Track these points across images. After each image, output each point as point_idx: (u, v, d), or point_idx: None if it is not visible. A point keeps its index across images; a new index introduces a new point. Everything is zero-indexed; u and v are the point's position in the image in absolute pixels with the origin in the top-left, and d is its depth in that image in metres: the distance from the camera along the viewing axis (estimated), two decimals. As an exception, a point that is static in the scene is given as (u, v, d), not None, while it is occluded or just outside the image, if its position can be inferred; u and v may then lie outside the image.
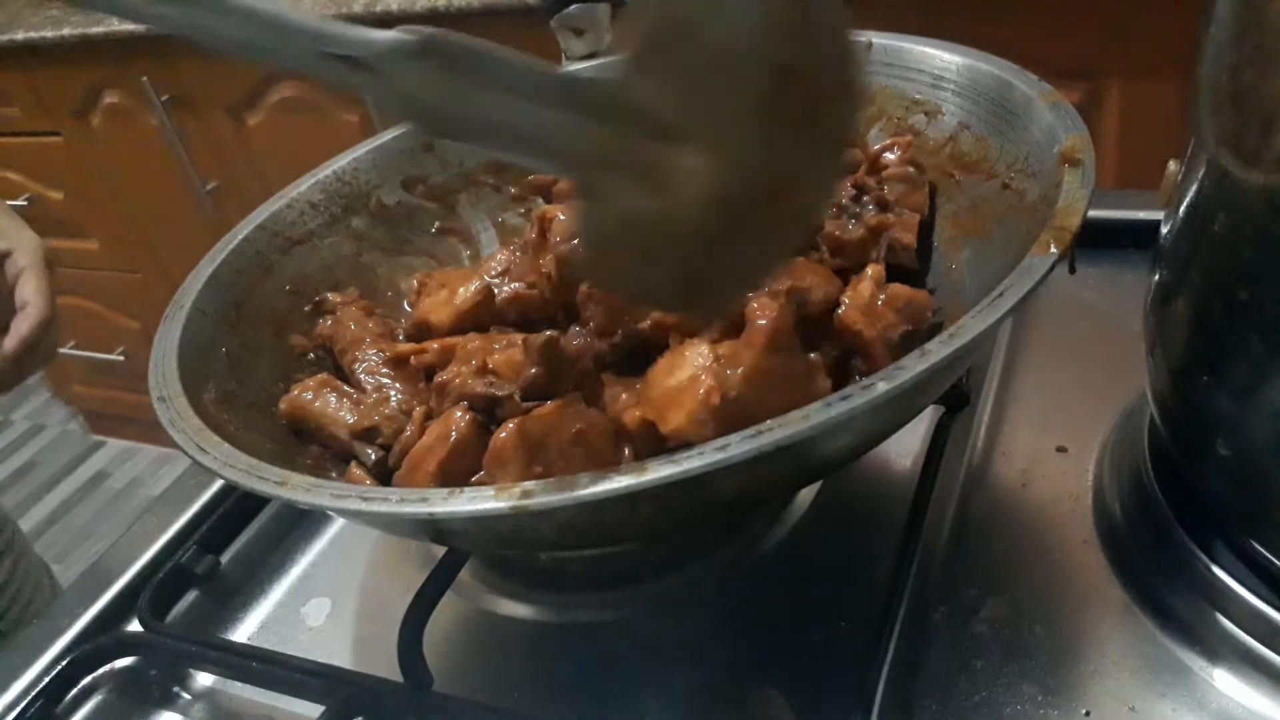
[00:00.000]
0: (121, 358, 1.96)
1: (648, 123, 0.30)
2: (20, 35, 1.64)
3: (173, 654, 0.50)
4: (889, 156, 0.52)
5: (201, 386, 0.44)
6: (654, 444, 0.41)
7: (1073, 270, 0.61)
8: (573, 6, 0.63)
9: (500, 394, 0.43)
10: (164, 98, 1.62)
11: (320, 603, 0.53)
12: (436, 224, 0.62)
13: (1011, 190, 0.45)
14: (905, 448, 0.52)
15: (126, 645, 0.51)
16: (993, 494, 0.50)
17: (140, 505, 2.01)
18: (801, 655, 0.44)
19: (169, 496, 0.61)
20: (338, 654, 0.49)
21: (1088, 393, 0.54)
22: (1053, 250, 0.35)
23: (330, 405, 0.47)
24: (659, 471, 0.30)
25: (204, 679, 0.50)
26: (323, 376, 0.49)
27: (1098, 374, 0.55)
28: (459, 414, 0.43)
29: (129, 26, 1.55)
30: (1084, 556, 0.45)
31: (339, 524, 0.58)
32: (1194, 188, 0.39)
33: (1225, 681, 0.39)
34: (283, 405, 0.48)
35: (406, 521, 0.39)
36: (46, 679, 0.49)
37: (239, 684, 0.49)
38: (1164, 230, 0.42)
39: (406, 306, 0.58)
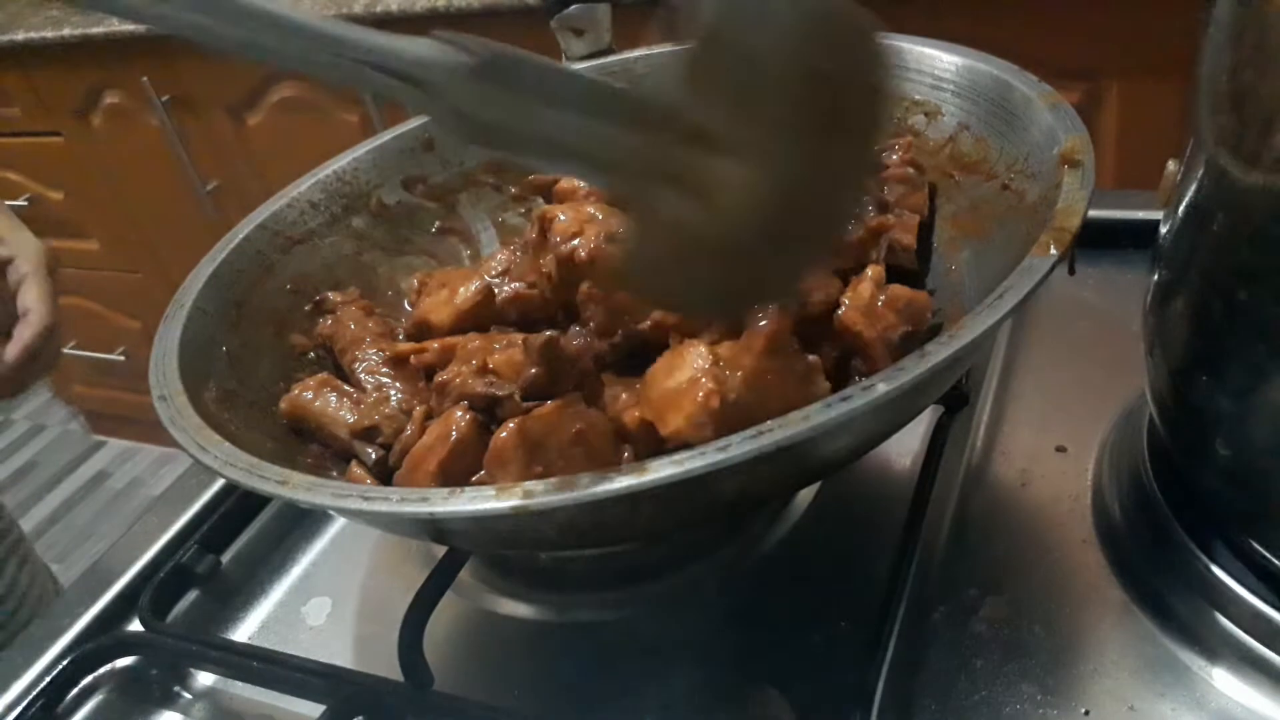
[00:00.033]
0: (122, 358, 1.96)
1: (694, 134, 0.31)
2: (21, 35, 1.65)
3: (173, 653, 0.51)
4: (889, 157, 0.52)
5: (202, 385, 0.44)
6: (654, 444, 0.41)
7: (1072, 271, 0.61)
8: (573, 7, 0.63)
9: (500, 394, 0.43)
10: (164, 98, 1.62)
11: (321, 602, 0.53)
12: (437, 223, 0.62)
13: (1011, 191, 0.45)
14: (905, 447, 0.52)
15: (127, 645, 0.51)
16: (992, 494, 0.50)
17: (141, 505, 2.01)
18: (801, 655, 0.44)
19: (169, 496, 0.61)
20: (338, 653, 0.49)
21: (1087, 392, 0.54)
22: (1052, 251, 0.35)
23: (331, 404, 0.48)
24: (660, 472, 0.30)
25: (205, 678, 0.50)
26: (323, 376, 0.50)
27: (1097, 374, 0.55)
28: (459, 414, 0.43)
29: (129, 27, 1.55)
30: (1083, 556, 0.45)
31: (340, 524, 0.58)
32: (1193, 188, 0.39)
33: (1224, 681, 0.39)
34: (283, 404, 0.48)
35: (407, 521, 0.39)
36: (47, 678, 0.49)
37: (240, 683, 0.49)
38: (1163, 230, 0.42)
39: (407, 306, 0.58)
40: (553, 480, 0.31)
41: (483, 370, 0.44)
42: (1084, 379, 0.55)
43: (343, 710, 0.44)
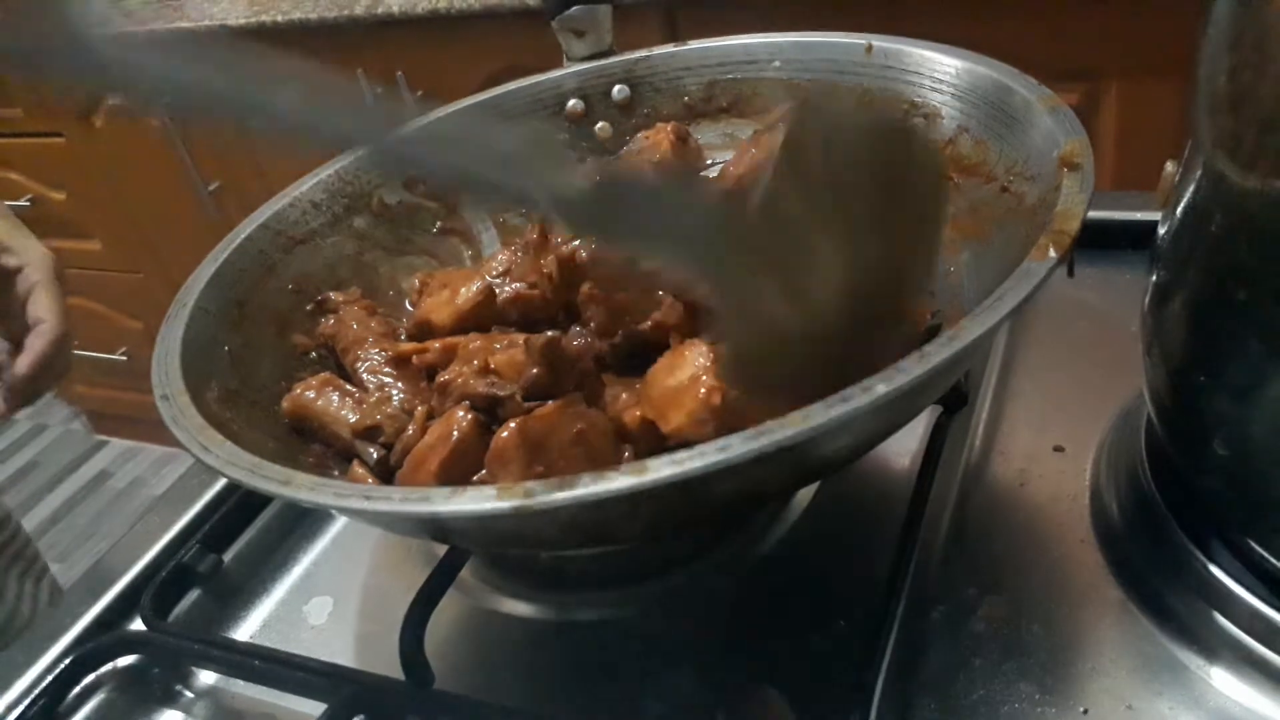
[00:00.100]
0: (124, 358, 1.96)
1: (787, 233, 0.34)
2: (22, 36, 1.65)
3: (175, 652, 0.51)
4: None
5: (204, 385, 0.44)
6: (654, 443, 0.41)
7: (1071, 274, 0.61)
8: (574, 8, 0.63)
9: (502, 394, 0.43)
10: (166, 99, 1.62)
11: (322, 601, 0.53)
12: (438, 224, 0.62)
13: (1010, 194, 0.46)
14: (904, 447, 0.52)
15: (129, 644, 0.52)
16: (991, 493, 0.50)
17: (143, 504, 2.01)
18: (801, 655, 0.44)
19: (171, 496, 0.61)
20: (340, 652, 0.49)
21: (1085, 393, 0.54)
22: (1051, 254, 0.35)
23: (333, 404, 0.48)
24: (660, 472, 0.30)
25: (206, 677, 0.50)
26: (325, 375, 0.50)
27: (1095, 374, 0.55)
28: (460, 413, 0.43)
29: (130, 28, 1.55)
30: (1082, 556, 0.45)
31: (341, 523, 0.58)
32: (1191, 189, 0.39)
33: (1222, 680, 0.39)
34: (285, 404, 0.48)
35: (410, 520, 0.39)
36: (49, 677, 0.50)
37: (241, 682, 0.49)
38: (1161, 231, 0.43)
39: (408, 306, 0.58)
40: (554, 480, 0.31)
41: (484, 370, 0.44)
42: (1082, 379, 0.55)
43: (344, 709, 0.44)
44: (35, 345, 0.62)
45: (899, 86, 0.54)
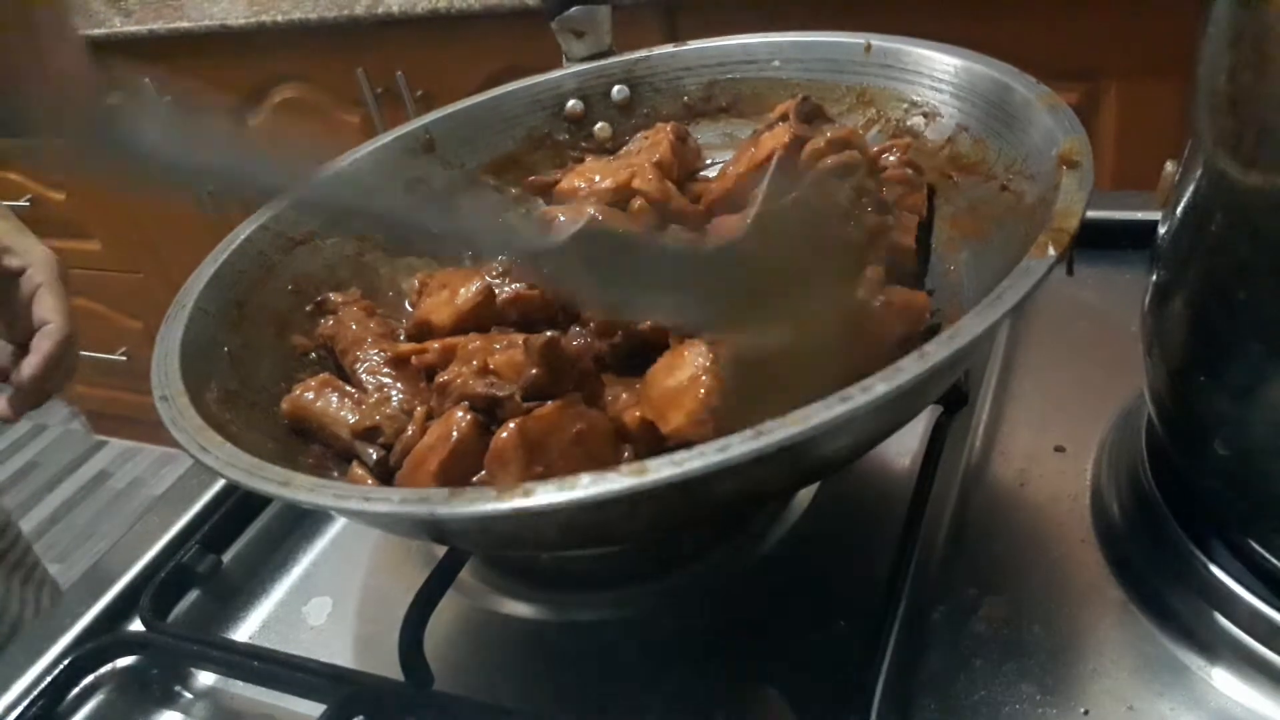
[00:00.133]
0: (123, 358, 1.96)
1: (764, 276, 0.39)
2: (22, 36, 1.64)
3: (174, 653, 0.51)
4: (888, 158, 0.52)
5: (203, 386, 0.44)
6: (654, 444, 0.41)
7: (1070, 272, 0.61)
8: (573, 8, 0.63)
9: (501, 394, 0.43)
10: (165, 99, 1.62)
11: (321, 602, 0.53)
12: (438, 224, 0.62)
13: (1010, 192, 0.46)
14: (904, 447, 0.52)
15: (128, 644, 0.52)
16: (991, 493, 0.50)
17: (142, 505, 2.01)
18: (801, 655, 0.44)
19: (171, 496, 0.61)
20: (339, 653, 0.49)
21: (1086, 393, 0.54)
22: (1051, 252, 0.35)
23: (332, 405, 0.48)
24: (660, 472, 0.30)
25: (205, 678, 0.50)
26: (324, 376, 0.50)
27: (1096, 374, 0.55)
28: (460, 414, 0.43)
29: (130, 28, 1.55)
30: (1082, 556, 0.45)
31: (340, 523, 0.58)
32: (1191, 188, 0.39)
33: (1223, 680, 0.39)
34: (284, 405, 0.48)
35: (409, 522, 0.39)
36: (49, 678, 0.50)
37: (240, 683, 0.49)
38: (1161, 231, 0.43)
39: (408, 306, 0.58)
40: (553, 481, 0.31)
41: (483, 371, 0.44)
42: (1083, 379, 0.55)
43: (343, 710, 0.44)
44: (43, 346, 0.61)
45: (898, 85, 0.54)
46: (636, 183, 0.55)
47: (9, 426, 2.39)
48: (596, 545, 0.47)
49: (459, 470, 0.43)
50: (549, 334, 0.42)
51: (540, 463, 0.40)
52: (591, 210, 0.45)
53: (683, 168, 0.60)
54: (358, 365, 0.50)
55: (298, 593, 0.54)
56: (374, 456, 0.47)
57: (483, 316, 0.52)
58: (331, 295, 0.55)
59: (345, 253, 0.58)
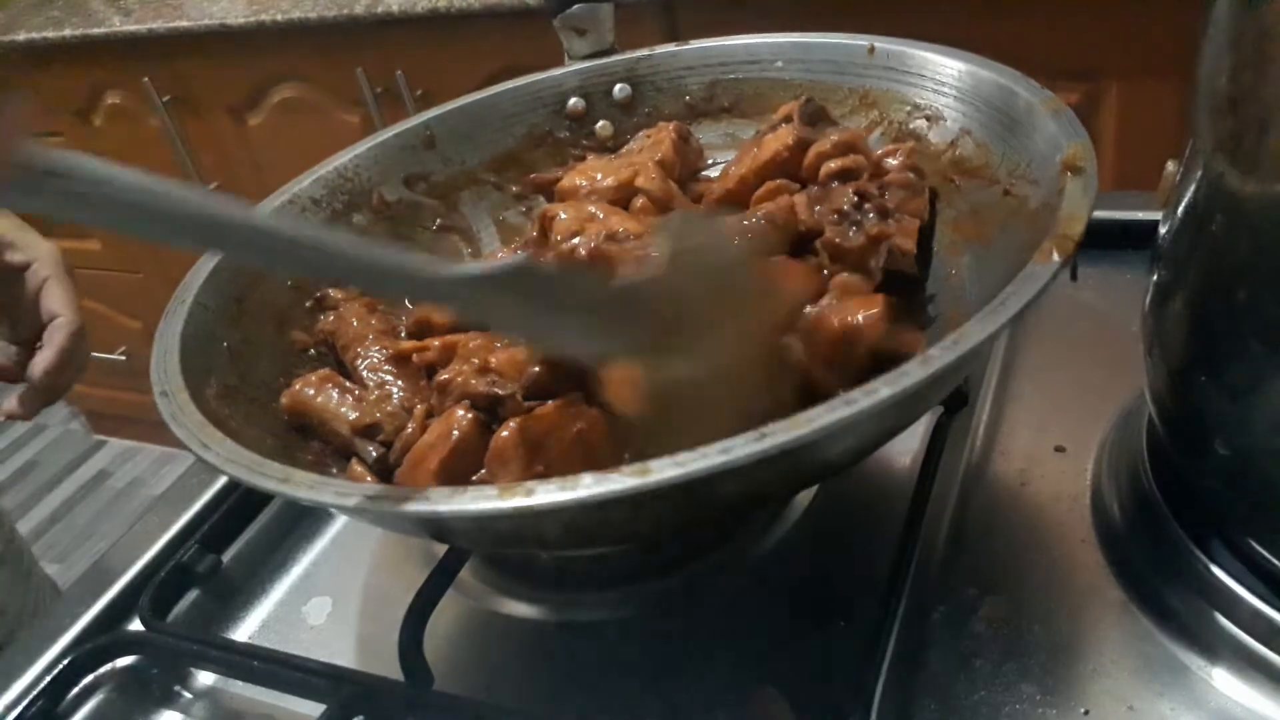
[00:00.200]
0: (123, 357, 1.96)
1: (674, 315, 0.40)
2: (22, 36, 1.65)
3: (174, 653, 0.51)
4: (890, 162, 0.52)
5: (203, 381, 0.44)
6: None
7: (1074, 277, 0.61)
8: (575, 6, 0.63)
9: (502, 393, 0.43)
10: (165, 98, 1.62)
11: (321, 601, 0.53)
12: (438, 221, 0.62)
13: (1013, 196, 0.45)
14: (904, 447, 0.52)
15: (128, 644, 0.52)
16: (991, 493, 0.50)
17: (141, 504, 2.01)
18: (801, 655, 0.44)
19: (170, 496, 0.61)
20: (339, 653, 0.49)
21: (1086, 393, 0.54)
22: (1055, 258, 0.35)
23: (332, 401, 0.47)
24: (663, 473, 0.30)
25: (205, 678, 0.50)
26: (325, 372, 0.49)
27: (1096, 374, 0.55)
28: (461, 412, 0.43)
29: (130, 27, 1.55)
30: (1082, 556, 0.45)
31: (340, 523, 0.58)
32: (1192, 189, 0.39)
33: (1223, 680, 0.39)
34: (284, 399, 0.48)
35: (409, 520, 0.39)
36: (48, 678, 0.49)
37: (240, 683, 0.49)
38: (1162, 231, 0.43)
39: (408, 303, 0.58)
40: (554, 481, 0.31)
41: (484, 369, 0.44)
42: (1083, 379, 0.55)
43: (343, 710, 0.44)
44: (55, 339, 0.60)
45: (901, 88, 0.54)
46: (640, 181, 0.55)
47: (9, 426, 2.39)
48: (598, 545, 0.47)
49: (459, 469, 0.43)
50: (549, 333, 0.42)
51: (540, 462, 0.40)
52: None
53: (685, 167, 0.60)
54: (359, 361, 0.50)
55: (297, 592, 0.54)
56: (373, 454, 0.47)
57: (482, 315, 0.52)
58: (331, 291, 0.55)
59: (345, 251, 0.58)
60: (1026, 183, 0.44)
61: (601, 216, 0.51)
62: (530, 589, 0.51)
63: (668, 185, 0.55)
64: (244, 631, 0.53)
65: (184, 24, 1.51)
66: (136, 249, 1.87)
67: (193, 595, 0.55)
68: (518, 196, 0.63)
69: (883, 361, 0.40)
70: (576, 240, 0.50)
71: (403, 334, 0.54)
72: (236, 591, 0.55)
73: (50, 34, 1.62)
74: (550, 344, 0.42)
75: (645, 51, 0.64)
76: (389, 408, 0.47)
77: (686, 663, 0.45)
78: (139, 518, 0.60)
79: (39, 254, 0.62)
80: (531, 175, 0.62)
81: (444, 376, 0.45)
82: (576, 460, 0.40)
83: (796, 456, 0.31)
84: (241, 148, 1.65)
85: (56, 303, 0.61)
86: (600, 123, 0.64)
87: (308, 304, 0.54)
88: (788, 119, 0.55)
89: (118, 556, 0.57)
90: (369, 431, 0.47)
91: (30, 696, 0.49)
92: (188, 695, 0.50)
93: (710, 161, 0.62)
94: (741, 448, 0.30)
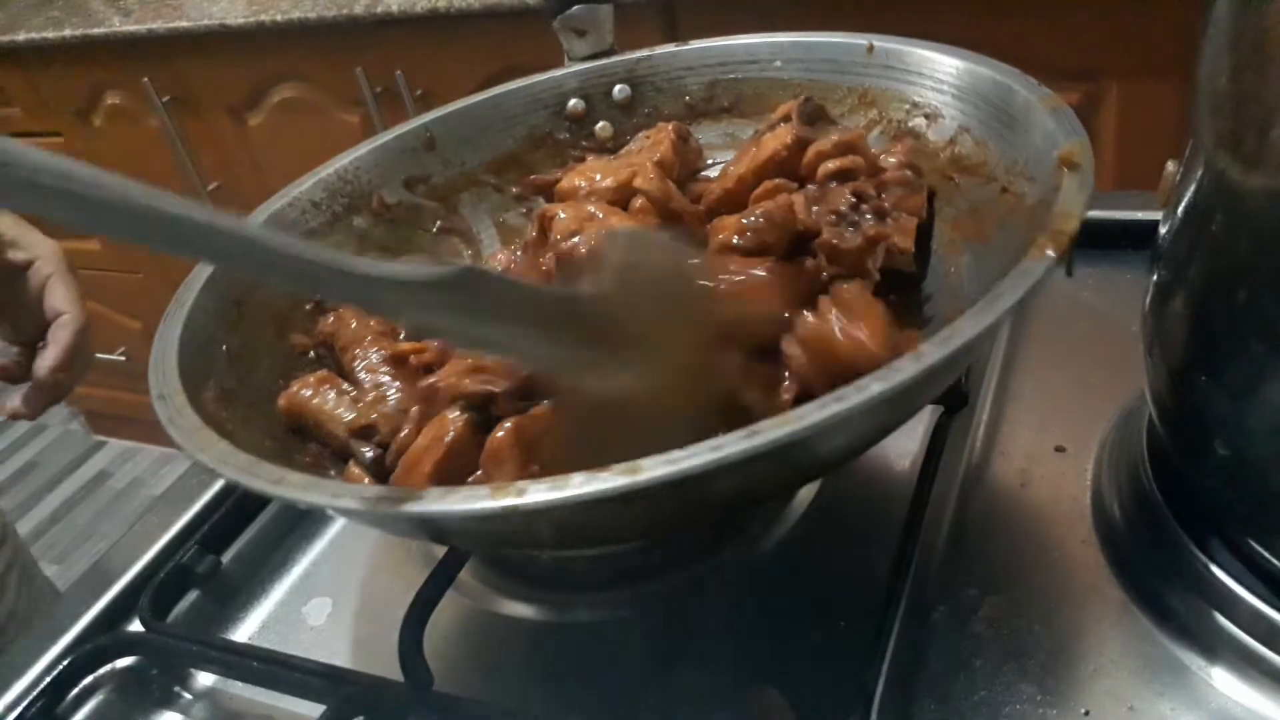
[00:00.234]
0: (123, 358, 1.96)
1: (612, 332, 0.40)
2: (22, 36, 1.65)
3: (174, 654, 0.51)
4: (888, 160, 0.52)
5: (201, 385, 0.44)
6: None
7: (1069, 273, 0.61)
8: (575, 7, 0.63)
9: (495, 390, 0.43)
10: (165, 98, 1.62)
11: (321, 602, 0.53)
12: (438, 223, 0.62)
13: (1011, 194, 0.45)
14: (904, 448, 0.52)
15: (127, 645, 0.52)
16: (991, 494, 0.50)
17: (141, 505, 2.01)
18: (801, 655, 0.44)
19: (170, 496, 0.61)
20: (339, 653, 0.49)
21: (1086, 393, 0.54)
22: (1049, 253, 0.35)
23: (329, 402, 0.47)
24: (654, 471, 0.30)
25: (205, 679, 0.50)
26: (323, 373, 0.49)
27: (1096, 374, 0.55)
28: (454, 415, 0.43)
29: (130, 27, 1.55)
30: (1083, 556, 0.45)
31: (340, 524, 0.58)
32: (1192, 188, 0.39)
33: (1224, 681, 0.39)
34: (282, 401, 0.48)
35: (403, 520, 0.39)
36: (48, 678, 0.49)
37: (240, 684, 0.49)
38: (1162, 231, 0.43)
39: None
40: (546, 480, 0.31)
41: (477, 369, 0.44)
42: (1083, 379, 0.55)
43: (343, 710, 0.44)
44: (60, 336, 0.60)
45: (900, 86, 0.54)
46: (638, 182, 0.55)
47: (8, 426, 2.39)
48: (593, 544, 0.47)
49: (454, 471, 0.42)
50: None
51: (536, 461, 0.40)
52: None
53: (684, 167, 0.60)
54: (356, 363, 0.50)
55: (297, 593, 0.54)
56: (369, 455, 0.47)
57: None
58: (331, 293, 0.55)
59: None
60: (1024, 179, 0.44)
61: (601, 216, 0.51)
62: (530, 589, 0.51)
63: (666, 185, 0.55)
64: (244, 632, 0.52)
65: (184, 24, 1.51)
66: (136, 249, 1.87)
67: (192, 596, 0.55)
68: (518, 198, 0.63)
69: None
70: (576, 240, 0.50)
71: (401, 335, 0.54)
72: (236, 592, 0.55)
73: (50, 34, 1.62)
74: (495, 353, 0.42)
75: (645, 52, 0.64)
76: (385, 409, 0.47)
77: (686, 663, 0.45)
78: (139, 518, 0.60)
79: (41, 252, 0.61)
80: (531, 177, 0.62)
81: (430, 381, 0.45)
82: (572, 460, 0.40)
83: (788, 453, 0.31)
84: (241, 148, 1.65)
85: (61, 300, 0.61)
86: (600, 124, 0.64)
87: (308, 307, 0.54)
88: (786, 118, 0.55)
89: (117, 557, 0.57)
90: (365, 433, 0.47)
91: (30, 697, 0.49)
92: (187, 696, 0.50)
93: (710, 161, 0.62)
94: (732, 445, 0.30)
